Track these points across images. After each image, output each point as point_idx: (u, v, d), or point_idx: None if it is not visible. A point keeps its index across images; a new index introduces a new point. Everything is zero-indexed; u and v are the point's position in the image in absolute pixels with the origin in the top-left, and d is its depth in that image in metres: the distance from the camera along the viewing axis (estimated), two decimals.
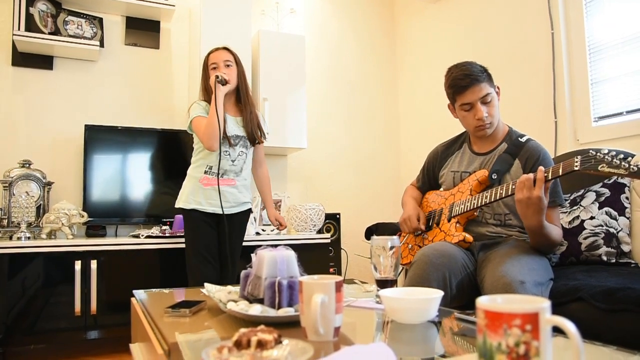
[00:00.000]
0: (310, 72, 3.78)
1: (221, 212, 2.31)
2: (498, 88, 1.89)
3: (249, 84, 2.49)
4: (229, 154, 2.35)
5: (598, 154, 1.41)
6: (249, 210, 2.52)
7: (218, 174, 2.32)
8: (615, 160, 1.37)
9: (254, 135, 2.40)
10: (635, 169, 1.32)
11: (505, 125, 1.95)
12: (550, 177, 1.52)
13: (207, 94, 2.36)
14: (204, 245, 2.31)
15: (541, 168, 1.54)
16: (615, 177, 2.04)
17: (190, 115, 2.34)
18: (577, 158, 1.46)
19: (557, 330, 0.61)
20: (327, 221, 3.35)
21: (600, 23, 2.57)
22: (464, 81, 1.81)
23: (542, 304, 0.61)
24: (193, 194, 2.34)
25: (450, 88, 1.88)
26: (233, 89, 2.38)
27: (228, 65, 2.36)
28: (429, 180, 2.14)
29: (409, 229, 1.99)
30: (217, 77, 2.25)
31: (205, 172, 2.34)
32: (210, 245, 2.33)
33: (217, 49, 2.42)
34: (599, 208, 2.02)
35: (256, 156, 2.56)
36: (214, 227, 2.37)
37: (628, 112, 2.42)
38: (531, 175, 1.55)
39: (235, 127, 2.38)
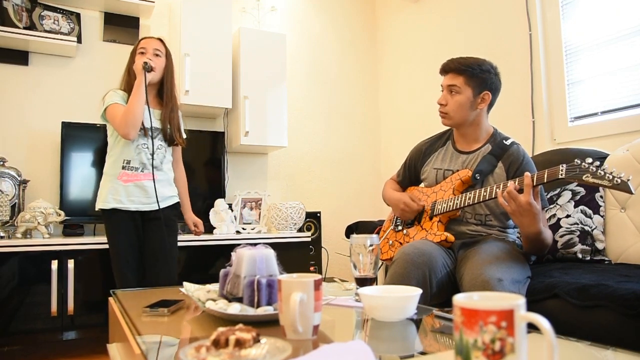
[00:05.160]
0: (291, 70, 3.78)
1: (145, 210, 2.22)
2: (486, 95, 1.87)
3: (175, 83, 2.37)
4: (147, 147, 2.22)
5: (583, 163, 1.43)
6: (177, 204, 2.40)
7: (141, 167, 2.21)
8: (599, 171, 1.40)
9: (171, 135, 2.29)
10: (619, 181, 1.35)
11: (490, 127, 1.96)
12: (534, 184, 1.54)
13: (130, 80, 2.23)
14: (127, 247, 2.20)
15: (527, 174, 1.54)
16: None
17: (105, 103, 2.19)
18: (562, 166, 1.49)
19: (533, 327, 0.62)
20: (307, 220, 3.35)
21: (575, 25, 2.61)
22: (443, 65, 1.93)
23: (517, 301, 0.61)
24: (112, 192, 2.19)
25: None
26: (156, 82, 2.27)
27: (157, 55, 2.26)
28: (409, 175, 2.16)
29: (412, 214, 1.96)
30: (145, 63, 2.15)
31: (123, 168, 2.20)
32: (134, 247, 2.22)
33: (150, 37, 2.33)
34: (575, 206, 2.06)
35: (174, 155, 2.41)
36: (138, 226, 2.24)
37: (603, 112, 2.47)
38: (510, 185, 1.55)
39: (153, 119, 2.24)
